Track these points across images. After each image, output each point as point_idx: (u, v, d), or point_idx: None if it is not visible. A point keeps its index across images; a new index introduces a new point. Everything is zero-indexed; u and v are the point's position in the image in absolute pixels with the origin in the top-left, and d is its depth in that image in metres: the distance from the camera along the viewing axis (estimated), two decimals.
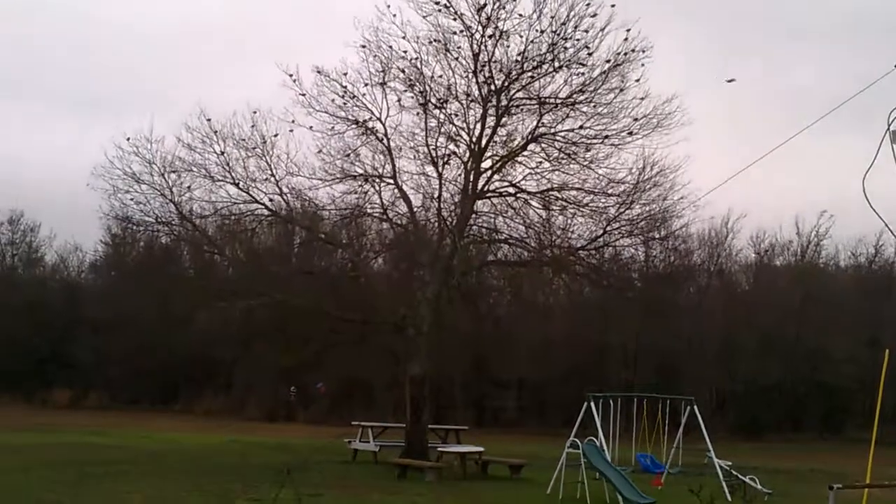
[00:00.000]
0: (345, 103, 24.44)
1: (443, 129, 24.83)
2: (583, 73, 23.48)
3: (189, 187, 24.78)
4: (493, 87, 24.00)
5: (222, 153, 24.26)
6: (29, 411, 41.12)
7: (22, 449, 23.52)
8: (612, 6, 22.12)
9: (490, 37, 23.17)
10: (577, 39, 22.93)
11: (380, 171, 25.24)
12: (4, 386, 47.03)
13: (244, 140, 24.29)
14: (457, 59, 23.81)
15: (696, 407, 22.20)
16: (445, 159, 25.16)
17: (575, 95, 23.72)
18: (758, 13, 70.02)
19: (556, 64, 23.37)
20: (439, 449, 23.82)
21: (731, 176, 16.93)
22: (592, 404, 21.05)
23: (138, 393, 47.12)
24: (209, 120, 24.16)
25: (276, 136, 24.40)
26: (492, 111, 24.36)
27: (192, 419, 40.80)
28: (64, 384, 46.87)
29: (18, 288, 50.54)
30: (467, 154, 24.94)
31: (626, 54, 22.89)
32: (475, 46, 23.42)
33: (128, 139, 24.11)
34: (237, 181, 24.55)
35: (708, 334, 45.91)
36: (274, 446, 27.72)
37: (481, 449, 22.97)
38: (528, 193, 24.96)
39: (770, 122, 61.77)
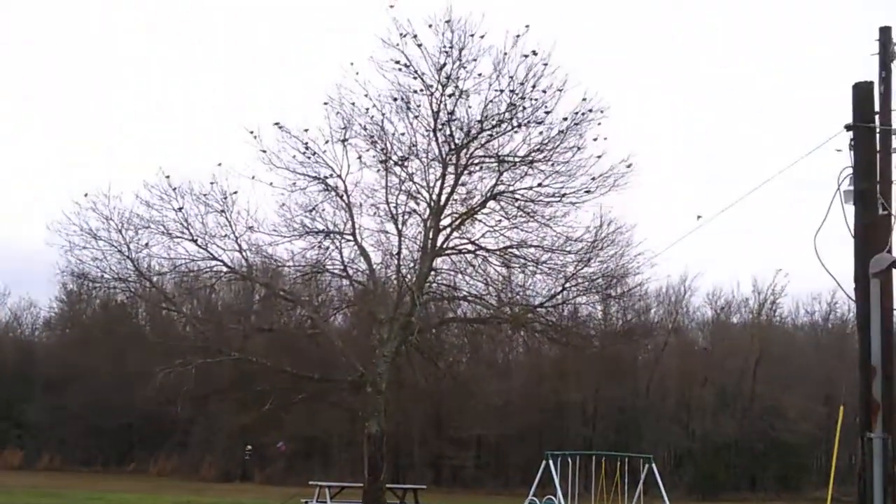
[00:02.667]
0: (307, 158, 24.51)
1: (403, 187, 24.90)
2: (541, 132, 23.79)
3: (147, 244, 24.65)
4: (453, 146, 24.14)
5: (180, 209, 24.15)
6: None
7: None
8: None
9: (450, 96, 23.38)
10: (535, 99, 23.27)
11: (340, 227, 25.24)
12: None
13: (204, 196, 24.20)
14: (416, 117, 24.00)
15: (654, 465, 22.20)
16: (405, 217, 25.22)
17: (533, 154, 23.94)
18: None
19: (515, 123, 23.65)
20: None
21: (685, 234, 17.10)
22: (551, 462, 21.00)
23: (92, 453, 46.30)
24: (168, 177, 24.11)
25: (235, 193, 24.36)
26: (452, 169, 24.46)
27: (146, 479, 40.14)
28: (16, 444, 45.93)
29: None
30: (427, 211, 24.97)
31: (583, 114, 23.27)
32: (435, 105, 23.63)
33: (85, 195, 23.99)
34: (195, 238, 24.42)
35: (666, 392, 46.07)
36: None
37: None
38: (488, 251, 25.05)
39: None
